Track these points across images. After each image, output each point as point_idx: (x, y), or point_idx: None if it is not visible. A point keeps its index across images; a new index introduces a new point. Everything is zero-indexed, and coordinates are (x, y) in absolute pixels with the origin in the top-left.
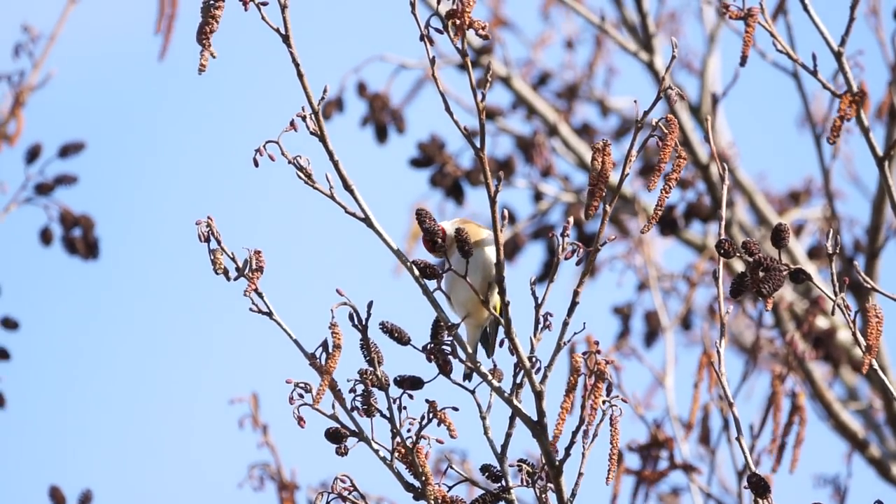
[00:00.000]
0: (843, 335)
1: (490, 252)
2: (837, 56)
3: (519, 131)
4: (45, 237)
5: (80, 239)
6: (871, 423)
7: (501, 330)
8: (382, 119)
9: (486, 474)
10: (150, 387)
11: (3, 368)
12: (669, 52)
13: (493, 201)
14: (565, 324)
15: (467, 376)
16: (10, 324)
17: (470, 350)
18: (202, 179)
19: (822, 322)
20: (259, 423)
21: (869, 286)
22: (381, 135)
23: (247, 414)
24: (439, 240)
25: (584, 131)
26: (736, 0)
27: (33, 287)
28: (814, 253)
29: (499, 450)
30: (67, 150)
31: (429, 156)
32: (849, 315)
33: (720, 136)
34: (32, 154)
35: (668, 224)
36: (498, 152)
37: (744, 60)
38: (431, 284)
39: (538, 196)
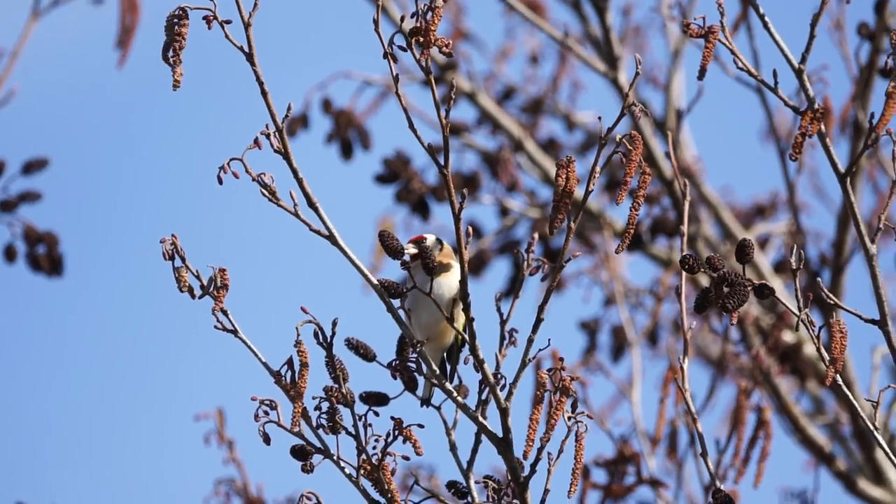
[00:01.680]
0: (810, 349)
1: (454, 273)
2: (798, 73)
3: (484, 147)
4: (9, 254)
5: (44, 256)
6: (838, 436)
7: (466, 347)
8: (348, 136)
9: (453, 490)
10: (116, 403)
11: None
12: (634, 67)
13: (457, 218)
14: (530, 340)
15: (425, 400)
16: None
17: (434, 367)
18: (166, 196)
19: (788, 336)
20: (225, 439)
21: (832, 303)
22: (347, 151)
23: (213, 430)
24: (404, 259)
25: (550, 146)
26: (697, 17)
27: None
28: (779, 267)
29: (465, 466)
30: (31, 167)
31: (394, 172)
32: (813, 330)
33: (685, 150)
34: None
35: (633, 239)
36: (463, 168)
37: (702, 74)
38: (396, 302)
39: (504, 211)
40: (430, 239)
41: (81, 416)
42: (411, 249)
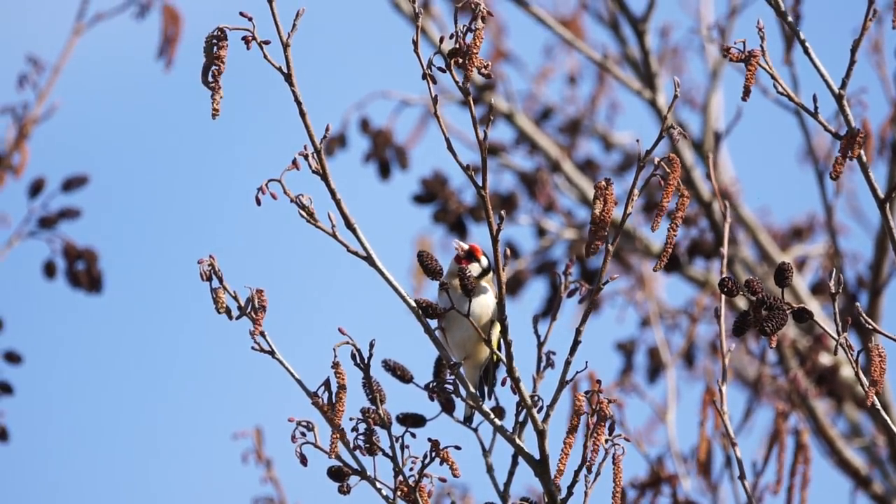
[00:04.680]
0: (847, 372)
1: (490, 294)
2: (838, 98)
3: (522, 167)
4: (49, 271)
5: (83, 272)
6: (875, 459)
7: (503, 368)
8: (385, 155)
9: None
10: (154, 421)
11: (5, 403)
12: (672, 89)
13: (494, 240)
14: (567, 362)
15: (468, 418)
16: (14, 358)
17: (472, 389)
18: (205, 215)
19: (825, 358)
20: (263, 458)
21: (871, 327)
22: (384, 171)
23: (250, 448)
24: (442, 280)
25: (587, 167)
26: (737, 42)
27: (36, 321)
28: (817, 289)
29: (501, 488)
30: (71, 184)
31: (432, 192)
32: (851, 354)
33: (723, 172)
34: (36, 187)
35: (671, 261)
36: (501, 188)
37: (745, 97)
38: (433, 323)
39: (541, 232)
40: (484, 261)
41: (119, 434)
42: (461, 251)
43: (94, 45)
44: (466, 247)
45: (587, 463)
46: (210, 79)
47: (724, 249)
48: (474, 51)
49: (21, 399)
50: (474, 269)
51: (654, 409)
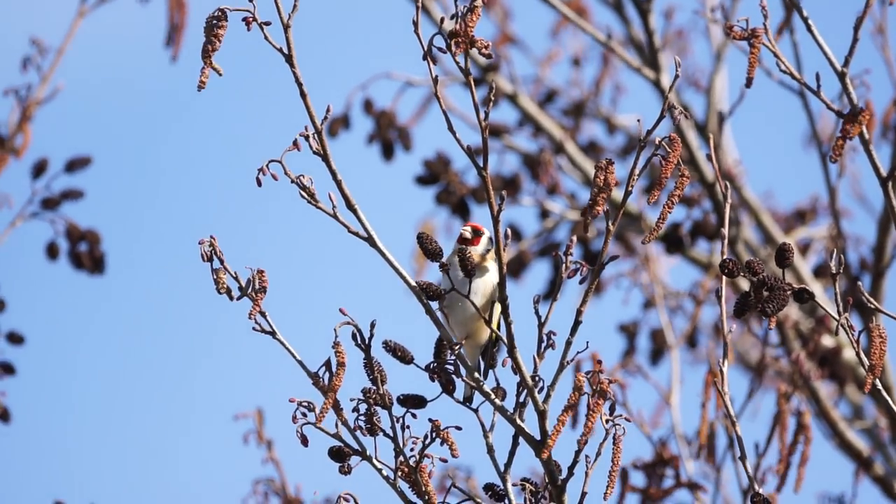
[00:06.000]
0: (849, 354)
1: (491, 273)
2: (841, 77)
3: (525, 149)
4: (52, 252)
5: (86, 253)
6: (877, 441)
7: (504, 349)
8: (389, 137)
9: (490, 493)
10: (155, 401)
11: (8, 383)
12: (675, 71)
13: (496, 221)
14: (568, 343)
15: (468, 398)
16: (16, 338)
17: (472, 369)
18: (206, 196)
19: (827, 340)
20: (263, 439)
21: (872, 307)
22: (388, 152)
23: (251, 429)
24: (442, 262)
25: (591, 149)
26: (740, 19)
27: (39, 301)
28: (820, 271)
29: (502, 468)
30: (74, 165)
31: (435, 173)
32: (853, 335)
33: (726, 154)
34: (39, 169)
35: (674, 242)
36: (504, 170)
37: (749, 82)
38: (435, 304)
39: (544, 213)
40: (486, 236)
41: (120, 414)
42: (467, 234)
43: (98, 28)
44: (470, 231)
45: (582, 438)
46: (203, 54)
47: (725, 230)
48: (471, 27)
49: (23, 380)
50: (476, 250)
51: (658, 392)
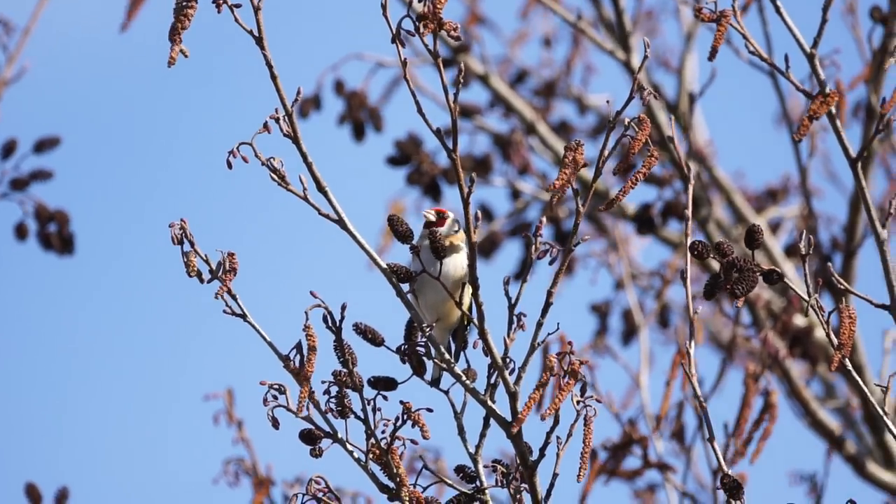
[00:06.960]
0: (820, 333)
1: (461, 255)
2: (810, 58)
3: (496, 129)
4: (20, 232)
5: (55, 234)
6: (849, 420)
7: (475, 330)
8: (360, 117)
9: (461, 475)
10: (125, 383)
11: None
12: (644, 52)
13: (465, 202)
14: (539, 324)
15: (436, 380)
16: None
17: (443, 351)
18: (176, 179)
19: (799, 320)
20: (234, 419)
21: (843, 287)
22: (359, 133)
23: (221, 410)
24: (413, 244)
25: (562, 129)
26: (709, 1)
27: (8, 282)
28: (791, 251)
29: (473, 450)
30: (43, 146)
31: (406, 154)
32: (823, 315)
33: (698, 133)
34: (7, 149)
35: (645, 223)
36: (475, 150)
37: (713, 55)
38: (405, 286)
39: (516, 194)
40: (451, 218)
41: (90, 395)
42: (430, 216)
43: (65, 7)
44: (434, 214)
45: (548, 412)
46: (171, 34)
47: (689, 212)
48: (439, 8)
49: None
50: (441, 231)
51: (628, 372)
